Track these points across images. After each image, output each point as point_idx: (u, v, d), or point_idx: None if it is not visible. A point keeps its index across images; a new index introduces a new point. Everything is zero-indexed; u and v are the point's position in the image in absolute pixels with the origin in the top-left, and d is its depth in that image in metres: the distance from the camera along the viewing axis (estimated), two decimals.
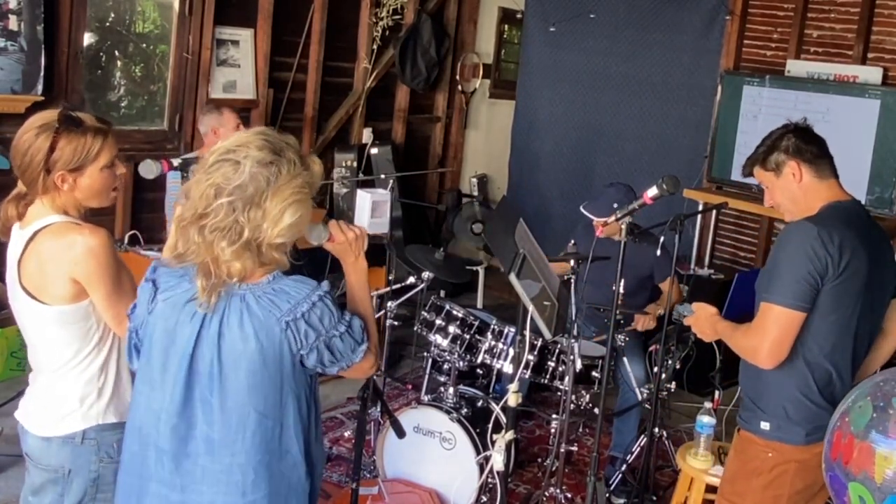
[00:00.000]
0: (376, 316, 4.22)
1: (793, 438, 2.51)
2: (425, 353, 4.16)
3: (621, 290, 3.22)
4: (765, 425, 2.54)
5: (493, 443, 3.26)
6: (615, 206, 3.93)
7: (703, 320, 2.71)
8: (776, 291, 2.42)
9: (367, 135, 6.66)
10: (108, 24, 5.31)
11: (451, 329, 3.80)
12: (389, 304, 4.17)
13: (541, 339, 3.65)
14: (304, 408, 1.99)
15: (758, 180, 2.69)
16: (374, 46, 6.45)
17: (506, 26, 7.63)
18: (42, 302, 2.24)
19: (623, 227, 3.08)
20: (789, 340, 2.42)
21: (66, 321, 2.26)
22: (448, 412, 3.65)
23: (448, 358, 3.89)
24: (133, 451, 2.00)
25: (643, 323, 4.12)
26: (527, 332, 3.25)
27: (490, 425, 3.50)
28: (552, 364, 3.73)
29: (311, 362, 1.94)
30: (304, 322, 1.89)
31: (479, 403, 3.86)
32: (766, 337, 2.43)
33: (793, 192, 2.57)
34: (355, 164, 6.48)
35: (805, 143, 2.56)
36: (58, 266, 2.20)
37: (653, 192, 2.97)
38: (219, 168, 1.85)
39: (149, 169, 2.76)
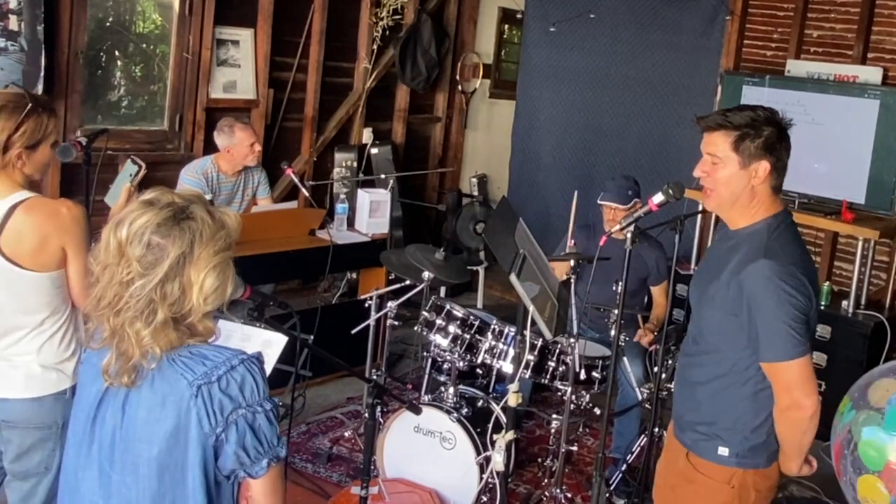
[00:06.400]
0: (376, 316, 4.24)
1: (756, 463, 2.38)
2: (425, 353, 4.16)
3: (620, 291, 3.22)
4: (723, 451, 2.38)
5: (493, 443, 3.26)
6: (629, 192, 4.05)
7: None
8: (783, 349, 2.22)
9: (367, 135, 6.65)
10: (108, 24, 5.31)
11: (452, 329, 3.80)
12: (389, 304, 4.17)
13: (541, 339, 3.64)
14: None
15: (707, 145, 2.41)
16: (374, 46, 6.45)
17: (506, 26, 7.63)
18: (23, 267, 2.37)
19: (628, 235, 2.97)
20: (815, 378, 2.26)
21: (51, 285, 2.42)
22: (448, 412, 3.65)
23: (448, 358, 3.88)
24: None
25: (648, 339, 4.10)
26: (527, 332, 3.25)
27: (490, 425, 3.50)
28: (552, 364, 3.73)
29: (230, 453, 1.64)
30: (218, 388, 1.63)
31: (480, 403, 3.86)
32: (802, 390, 2.22)
33: (740, 188, 2.34)
34: (355, 164, 6.48)
35: (782, 145, 2.35)
36: (46, 234, 2.36)
37: (658, 198, 2.87)
38: (131, 250, 1.65)
39: (66, 152, 3.15)
